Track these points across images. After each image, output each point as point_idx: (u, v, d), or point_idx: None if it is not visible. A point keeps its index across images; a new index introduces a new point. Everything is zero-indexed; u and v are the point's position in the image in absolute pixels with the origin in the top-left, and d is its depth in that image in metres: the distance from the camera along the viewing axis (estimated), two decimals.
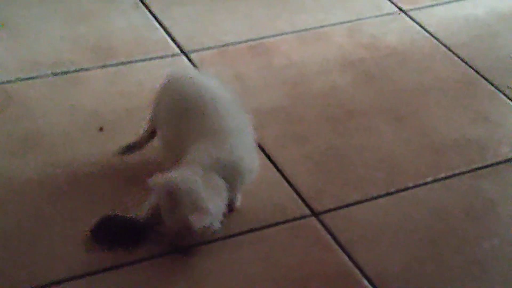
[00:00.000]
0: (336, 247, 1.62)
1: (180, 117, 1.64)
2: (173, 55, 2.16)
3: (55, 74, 2.03)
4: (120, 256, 1.54)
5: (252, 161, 1.64)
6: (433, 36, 2.35)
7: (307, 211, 1.70)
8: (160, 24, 2.28)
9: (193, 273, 1.54)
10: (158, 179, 1.53)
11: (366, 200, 1.75)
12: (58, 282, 1.48)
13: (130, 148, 1.75)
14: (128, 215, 1.59)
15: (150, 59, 2.13)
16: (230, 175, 1.58)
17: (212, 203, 1.52)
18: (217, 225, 1.55)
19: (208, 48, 2.20)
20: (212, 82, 1.71)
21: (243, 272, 1.55)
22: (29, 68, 2.04)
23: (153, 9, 2.33)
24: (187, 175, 1.53)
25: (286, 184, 1.77)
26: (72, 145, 1.82)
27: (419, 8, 2.47)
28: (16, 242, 1.57)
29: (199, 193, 1.51)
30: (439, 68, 2.22)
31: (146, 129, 1.75)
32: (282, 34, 2.29)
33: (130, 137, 1.79)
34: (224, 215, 1.57)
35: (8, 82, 1.99)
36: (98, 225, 1.57)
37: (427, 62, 2.25)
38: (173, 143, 1.65)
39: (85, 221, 1.61)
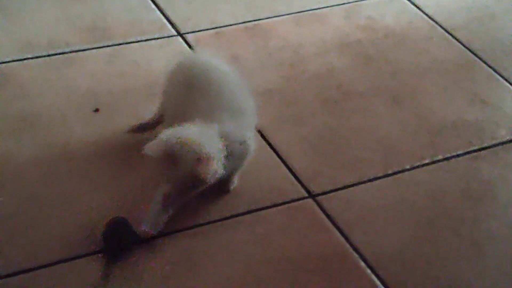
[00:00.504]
0: (333, 228, 1.62)
1: (186, 99, 1.63)
2: (169, 36, 2.15)
3: (50, 55, 2.02)
4: None
5: (253, 143, 1.65)
6: (431, 18, 2.34)
7: (304, 193, 1.70)
8: (156, 5, 2.26)
9: (190, 254, 1.54)
10: (152, 144, 1.52)
11: (363, 182, 1.75)
12: (55, 263, 1.48)
13: (141, 128, 1.74)
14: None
15: (146, 40, 2.12)
16: (237, 155, 1.58)
17: (212, 147, 1.51)
18: (221, 170, 1.53)
19: (204, 30, 2.19)
20: (221, 65, 1.72)
21: (240, 253, 1.55)
22: (24, 48, 2.03)
23: None
24: (179, 130, 1.52)
25: (283, 166, 1.77)
26: (68, 125, 1.81)
27: None
28: (13, 223, 1.56)
29: (196, 143, 1.50)
30: (436, 50, 2.22)
31: (155, 113, 1.73)
32: (278, 15, 2.28)
33: (126, 118, 1.79)
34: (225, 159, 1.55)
35: (3, 62, 1.98)
36: (108, 229, 1.54)
37: (424, 44, 2.24)
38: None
39: (81, 202, 1.61)
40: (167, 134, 1.53)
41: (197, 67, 1.69)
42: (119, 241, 1.52)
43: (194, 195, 1.58)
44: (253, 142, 1.65)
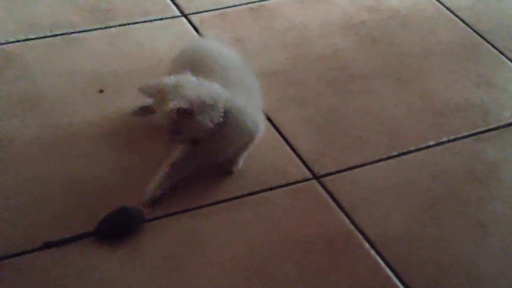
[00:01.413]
0: (337, 209, 1.62)
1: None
2: (173, 17, 2.14)
3: (54, 35, 2.01)
4: None
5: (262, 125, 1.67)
6: None
7: (308, 174, 1.70)
8: None
9: (194, 234, 1.54)
10: (149, 83, 1.58)
11: (368, 163, 1.74)
12: (59, 243, 1.48)
13: (143, 110, 1.74)
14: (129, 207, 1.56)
15: (150, 20, 2.11)
16: (246, 131, 1.60)
17: (201, 101, 1.53)
18: (206, 126, 1.54)
19: (209, 10, 2.18)
20: (225, 49, 1.74)
21: (244, 234, 1.55)
22: (28, 29, 2.02)
23: None
24: (180, 77, 1.57)
25: (287, 147, 1.77)
26: (72, 106, 1.81)
27: None
28: (16, 203, 1.56)
29: (183, 84, 1.54)
30: (441, 32, 2.20)
31: None
32: None
33: (130, 99, 1.78)
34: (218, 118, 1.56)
35: (7, 43, 1.97)
36: (102, 223, 1.53)
37: (429, 25, 2.22)
38: None
39: (84, 182, 1.60)
40: (168, 78, 1.56)
41: (201, 50, 1.70)
42: (122, 231, 1.52)
43: (200, 164, 1.60)
44: (262, 123, 1.65)
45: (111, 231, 1.51)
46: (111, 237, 1.50)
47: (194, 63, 1.65)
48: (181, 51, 1.74)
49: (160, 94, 1.54)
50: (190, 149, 1.61)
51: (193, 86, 1.54)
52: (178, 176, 1.61)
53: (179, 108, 1.51)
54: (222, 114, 1.56)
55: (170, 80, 1.56)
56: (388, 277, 1.49)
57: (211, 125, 1.54)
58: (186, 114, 1.52)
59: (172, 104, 1.50)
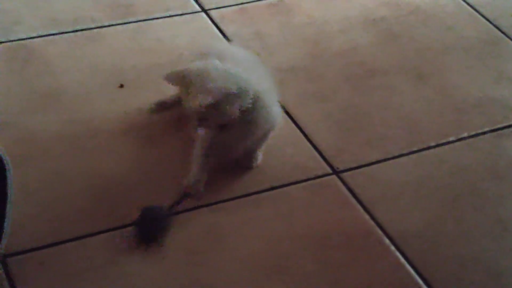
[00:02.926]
0: (357, 205, 1.62)
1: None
2: (193, 12, 2.14)
3: (75, 31, 2.03)
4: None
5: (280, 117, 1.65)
6: None
7: (328, 170, 1.70)
8: None
9: (214, 229, 1.54)
10: (173, 71, 1.55)
11: (387, 159, 1.74)
12: (80, 238, 1.49)
13: (160, 106, 1.75)
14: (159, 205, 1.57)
15: (170, 16, 2.12)
16: (263, 121, 1.59)
17: (224, 81, 1.50)
18: (236, 109, 1.52)
19: (228, 6, 2.18)
20: (239, 48, 1.73)
21: (264, 229, 1.56)
22: (49, 25, 2.03)
23: None
24: (203, 63, 1.54)
25: (307, 143, 1.77)
26: (93, 102, 1.82)
27: None
28: (38, 197, 1.58)
29: (209, 72, 1.51)
30: (462, 27, 2.19)
31: (177, 93, 1.73)
32: None
33: (151, 94, 1.79)
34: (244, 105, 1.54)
35: (29, 38, 1.99)
36: (141, 219, 1.54)
37: (450, 21, 2.21)
38: None
39: (105, 177, 1.62)
40: (194, 65, 1.54)
41: (215, 51, 1.68)
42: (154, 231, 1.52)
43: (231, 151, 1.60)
44: (279, 116, 1.65)
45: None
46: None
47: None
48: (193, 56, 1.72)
49: (186, 82, 1.52)
50: (216, 136, 1.59)
51: (220, 73, 1.51)
52: (209, 165, 1.62)
53: (205, 103, 1.49)
54: (251, 100, 1.53)
55: (197, 67, 1.54)
56: (408, 273, 1.49)
57: (237, 113, 1.52)
58: (212, 106, 1.50)
59: (198, 99, 1.49)
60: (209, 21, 2.11)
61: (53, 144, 1.70)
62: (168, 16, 2.12)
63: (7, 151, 1.64)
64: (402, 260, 1.51)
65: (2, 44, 1.96)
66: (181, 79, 1.54)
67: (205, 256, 1.49)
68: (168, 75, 1.56)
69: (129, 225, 1.52)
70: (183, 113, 1.60)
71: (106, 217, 1.54)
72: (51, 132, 1.73)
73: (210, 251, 1.50)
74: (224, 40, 2.04)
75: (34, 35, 2.00)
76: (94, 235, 1.50)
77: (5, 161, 1.41)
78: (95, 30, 2.04)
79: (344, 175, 1.69)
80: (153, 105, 1.76)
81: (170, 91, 1.73)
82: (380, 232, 1.56)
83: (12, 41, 1.97)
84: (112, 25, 2.06)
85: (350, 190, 1.65)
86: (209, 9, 2.16)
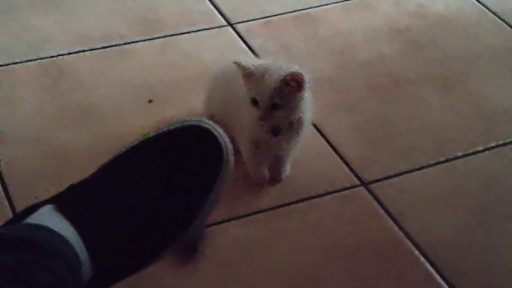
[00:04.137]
0: (386, 216, 1.63)
1: (231, 98, 1.64)
2: (219, 27, 2.17)
3: (104, 47, 2.06)
4: None
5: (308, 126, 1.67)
6: (481, 3, 2.31)
7: (356, 181, 1.71)
8: None
9: (244, 242, 1.56)
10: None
11: (415, 169, 1.75)
12: None
13: None
14: None
15: (197, 30, 2.14)
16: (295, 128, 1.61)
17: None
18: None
19: (254, 19, 2.20)
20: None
21: (294, 242, 1.57)
22: (78, 41, 2.06)
23: None
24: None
25: (334, 154, 1.78)
26: (123, 117, 1.84)
27: None
28: None
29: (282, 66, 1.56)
30: (487, 36, 2.19)
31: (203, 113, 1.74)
32: (327, 4, 2.28)
33: (179, 108, 1.81)
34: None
35: (59, 55, 2.02)
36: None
37: (475, 30, 2.22)
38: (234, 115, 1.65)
39: None
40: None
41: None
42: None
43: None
44: (308, 124, 1.66)
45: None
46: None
47: (229, 82, 1.66)
48: (215, 76, 1.74)
49: (260, 72, 1.53)
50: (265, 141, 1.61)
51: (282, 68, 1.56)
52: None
53: (296, 73, 1.51)
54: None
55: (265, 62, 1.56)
56: (439, 284, 1.50)
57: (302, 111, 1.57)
58: (296, 86, 1.52)
59: (286, 72, 1.50)
60: (235, 35, 2.13)
61: (84, 158, 1.73)
62: (195, 31, 2.14)
63: (39, 167, 1.68)
64: (432, 270, 1.52)
65: (33, 61, 1.99)
66: (254, 70, 1.54)
67: (236, 269, 1.51)
68: (239, 63, 1.55)
69: None
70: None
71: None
72: (83, 147, 1.76)
73: (240, 263, 1.52)
74: (250, 53, 2.05)
75: (64, 52, 2.03)
76: None
77: (224, 150, 1.18)
78: (123, 46, 2.07)
79: (372, 186, 1.70)
80: None
81: (198, 105, 1.76)
82: (409, 243, 1.57)
83: (43, 58, 2.00)
84: (140, 40, 2.09)
85: (379, 201, 1.66)
86: (235, 23, 2.18)
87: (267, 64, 1.56)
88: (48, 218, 1.09)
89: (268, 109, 1.53)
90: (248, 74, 1.54)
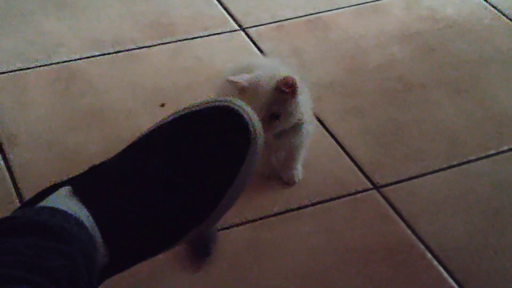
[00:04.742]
0: (398, 220, 1.62)
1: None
2: (231, 31, 2.17)
3: (116, 52, 2.07)
4: None
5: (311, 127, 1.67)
6: (494, 7, 2.31)
7: (368, 184, 1.71)
8: (218, 0, 2.29)
9: (256, 245, 1.56)
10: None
11: (428, 173, 1.74)
12: None
13: None
14: None
15: (209, 35, 2.15)
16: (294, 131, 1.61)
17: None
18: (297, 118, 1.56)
19: (266, 24, 2.21)
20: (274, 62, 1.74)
21: (306, 244, 1.57)
22: (90, 46, 2.07)
23: None
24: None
25: (346, 157, 1.78)
26: (135, 120, 1.85)
27: None
28: None
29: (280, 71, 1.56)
30: (500, 40, 2.19)
31: None
32: (339, 8, 2.29)
33: None
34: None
35: (72, 60, 2.03)
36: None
37: (487, 34, 2.21)
38: None
39: None
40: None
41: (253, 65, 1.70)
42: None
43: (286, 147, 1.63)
44: (311, 125, 1.66)
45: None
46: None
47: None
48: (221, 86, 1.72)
49: (253, 85, 1.53)
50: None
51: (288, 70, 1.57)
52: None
53: (288, 79, 1.50)
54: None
55: (262, 72, 1.55)
56: (451, 287, 1.49)
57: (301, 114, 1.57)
58: (290, 92, 1.52)
59: (279, 78, 1.50)
60: (247, 39, 2.14)
61: (95, 161, 1.72)
62: (206, 35, 2.15)
63: (52, 170, 1.69)
64: (445, 274, 1.51)
65: (46, 66, 2.00)
66: (247, 82, 1.53)
67: (247, 272, 1.50)
68: (232, 79, 1.54)
69: None
70: None
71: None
72: (95, 150, 1.76)
73: (252, 266, 1.51)
74: (262, 57, 2.06)
75: (76, 56, 2.04)
76: None
77: (251, 130, 1.11)
78: (135, 50, 2.08)
79: (384, 189, 1.70)
80: None
81: None
82: (422, 246, 1.57)
83: (56, 63, 2.01)
84: (152, 45, 2.10)
85: (391, 204, 1.66)
86: (247, 27, 2.18)
87: (259, 75, 1.55)
88: (64, 201, 1.08)
89: (267, 120, 1.54)
90: (242, 89, 1.54)
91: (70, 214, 1.05)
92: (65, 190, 1.11)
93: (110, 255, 1.09)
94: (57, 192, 1.11)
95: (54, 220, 1.03)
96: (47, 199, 1.10)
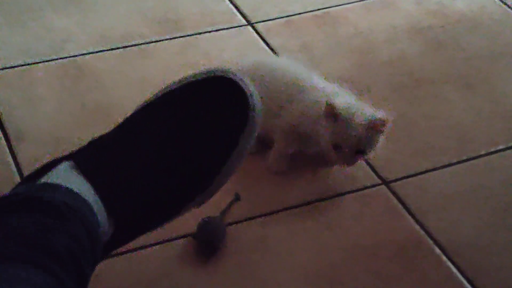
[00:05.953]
0: (407, 215, 1.62)
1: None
2: (239, 26, 2.16)
3: (124, 47, 2.06)
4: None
5: None
6: (504, 2, 2.29)
7: (377, 180, 1.70)
8: None
9: (264, 241, 1.55)
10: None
11: (437, 168, 1.73)
12: (133, 250, 1.51)
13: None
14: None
15: (217, 30, 2.14)
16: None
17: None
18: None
19: (274, 19, 2.20)
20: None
21: (314, 240, 1.56)
22: (99, 41, 2.07)
23: None
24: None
25: None
26: None
27: None
28: None
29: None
30: (510, 35, 2.17)
31: None
32: (348, 3, 2.27)
33: None
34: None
35: (80, 55, 2.03)
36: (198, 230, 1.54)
37: (497, 28, 2.20)
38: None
39: None
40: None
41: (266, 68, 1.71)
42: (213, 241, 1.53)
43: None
44: None
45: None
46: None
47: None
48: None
49: (348, 115, 1.56)
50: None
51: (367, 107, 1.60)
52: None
53: (386, 122, 1.55)
54: None
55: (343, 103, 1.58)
56: (461, 283, 1.48)
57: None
58: (377, 129, 1.56)
59: (373, 117, 1.55)
60: (255, 35, 2.13)
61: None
62: (215, 30, 2.14)
63: None
64: (454, 270, 1.50)
65: (54, 61, 2.00)
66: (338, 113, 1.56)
67: (256, 268, 1.50)
68: (331, 106, 1.56)
69: (183, 236, 1.53)
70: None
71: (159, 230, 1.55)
72: None
73: (260, 263, 1.51)
74: (270, 53, 2.05)
75: (84, 52, 2.04)
76: (146, 247, 1.52)
77: (250, 103, 1.12)
78: (143, 45, 2.07)
79: (394, 185, 1.69)
80: None
81: None
82: (431, 242, 1.56)
83: (63, 58, 2.01)
84: (160, 40, 2.09)
85: (400, 200, 1.65)
86: (255, 23, 2.18)
87: (353, 105, 1.58)
88: (65, 176, 1.08)
89: (353, 154, 1.58)
90: (335, 115, 1.56)
91: (73, 190, 1.04)
92: (66, 165, 1.10)
93: (114, 227, 1.08)
94: (58, 167, 1.10)
95: (56, 197, 1.02)
96: (48, 174, 1.08)
